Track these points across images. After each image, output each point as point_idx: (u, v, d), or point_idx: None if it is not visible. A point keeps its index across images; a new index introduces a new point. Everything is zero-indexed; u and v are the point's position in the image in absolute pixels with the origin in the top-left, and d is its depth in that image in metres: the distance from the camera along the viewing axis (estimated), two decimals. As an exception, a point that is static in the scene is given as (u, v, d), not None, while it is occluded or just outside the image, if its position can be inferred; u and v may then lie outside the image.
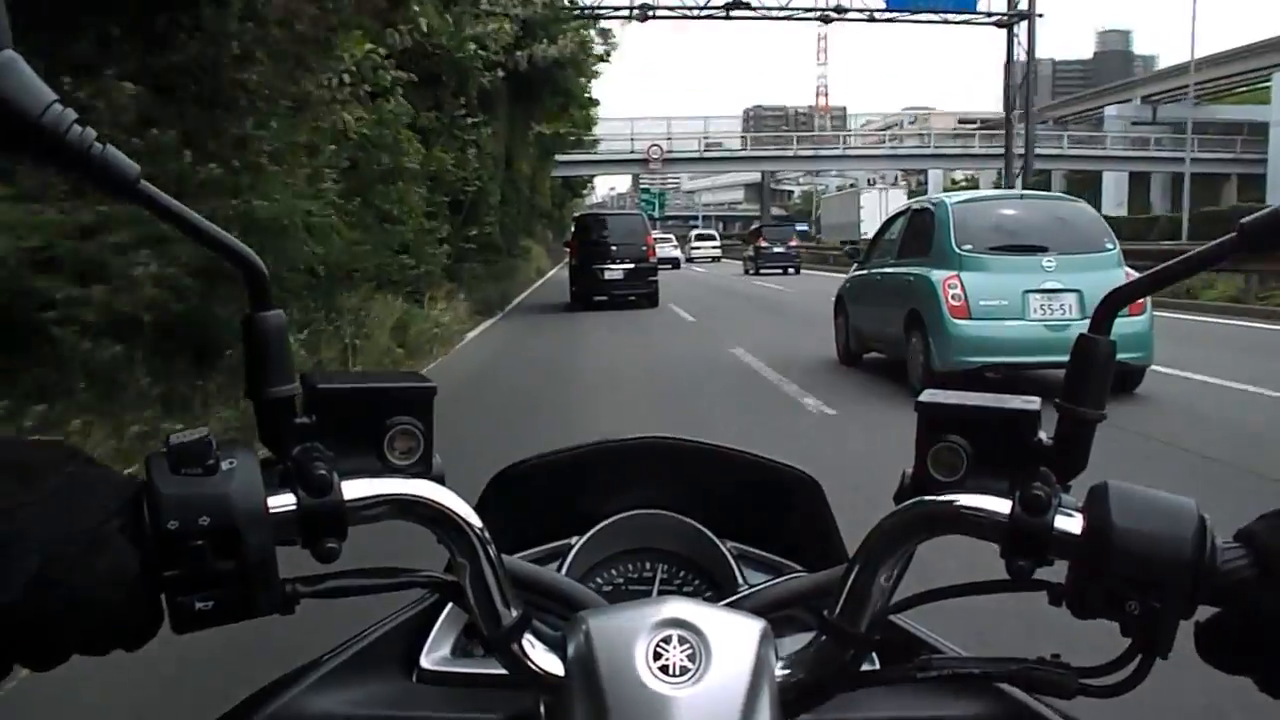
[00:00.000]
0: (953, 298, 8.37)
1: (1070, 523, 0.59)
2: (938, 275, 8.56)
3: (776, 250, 41.06)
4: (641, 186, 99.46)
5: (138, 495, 0.57)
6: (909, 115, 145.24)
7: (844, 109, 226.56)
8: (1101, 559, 0.58)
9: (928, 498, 0.62)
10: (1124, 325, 8.24)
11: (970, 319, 8.31)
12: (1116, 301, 0.61)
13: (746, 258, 43.41)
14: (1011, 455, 0.62)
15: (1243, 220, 0.58)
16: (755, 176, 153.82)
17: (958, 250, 8.59)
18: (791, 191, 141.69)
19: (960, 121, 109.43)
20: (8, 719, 2.85)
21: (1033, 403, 0.63)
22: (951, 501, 0.62)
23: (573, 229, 22.68)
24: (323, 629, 0.90)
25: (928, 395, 0.65)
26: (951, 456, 0.63)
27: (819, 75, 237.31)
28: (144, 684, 2.89)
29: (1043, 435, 0.62)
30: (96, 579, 0.54)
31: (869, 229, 50.19)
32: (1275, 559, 0.57)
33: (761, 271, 40.23)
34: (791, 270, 40.42)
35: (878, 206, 53.93)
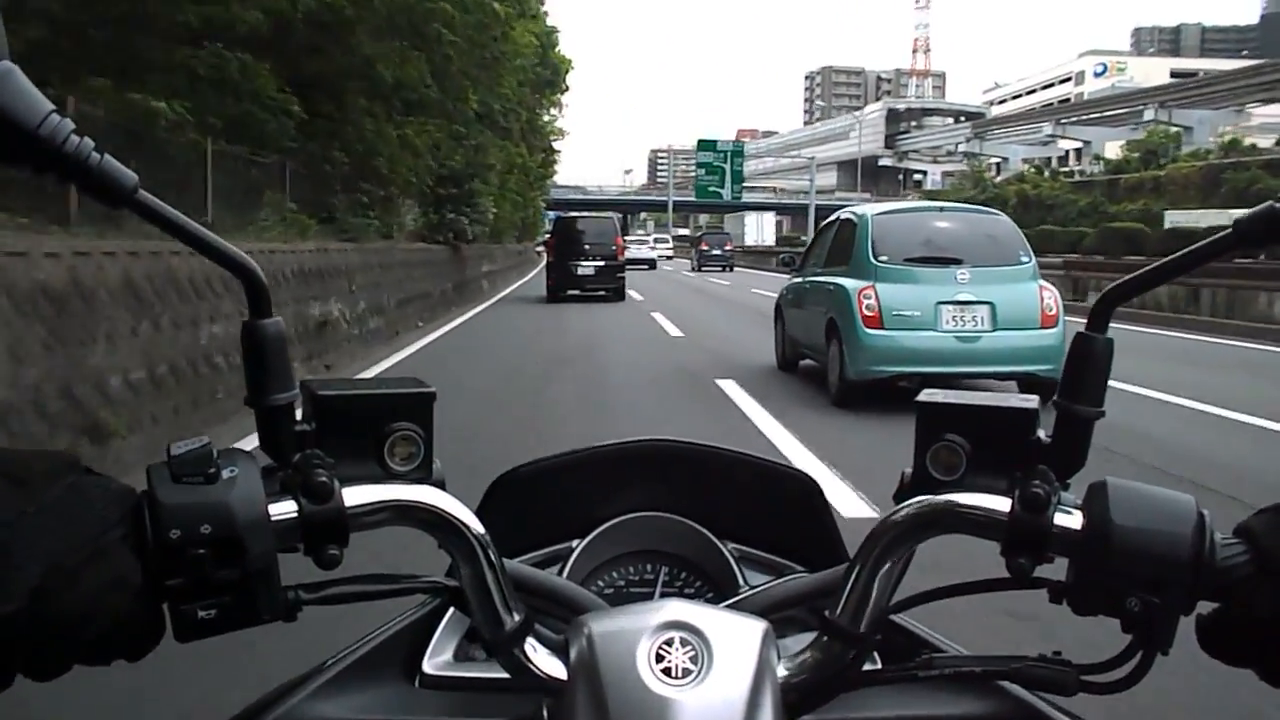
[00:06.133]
0: (866, 308, 8.51)
1: (1070, 520, 0.60)
2: (853, 285, 8.70)
3: (715, 253, 52.01)
4: (702, 141, 66.60)
5: (139, 504, 0.56)
6: (1094, 64, 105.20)
7: (944, 74, 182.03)
8: (1101, 556, 0.59)
9: (927, 497, 0.63)
10: (1036, 338, 8.58)
11: (883, 329, 8.45)
12: (1114, 299, 0.62)
13: (692, 258, 54.70)
14: (1010, 454, 0.63)
15: (1237, 217, 0.59)
16: (870, 147, 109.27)
17: (874, 261, 8.74)
18: (922, 173, 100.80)
19: (1174, 74, 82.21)
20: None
21: (1031, 401, 0.64)
22: (951, 500, 0.63)
23: (550, 230, 27.25)
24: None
25: (926, 395, 0.66)
26: (950, 455, 0.64)
27: (918, 24, 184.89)
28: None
29: (1041, 433, 0.64)
30: (98, 589, 0.53)
31: (750, 241, 70.71)
32: (1274, 554, 0.58)
33: (703, 269, 50.17)
34: (726, 268, 50.14)
35: (755, 225, 79.83)
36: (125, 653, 0.56)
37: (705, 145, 67.36)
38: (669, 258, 65.40)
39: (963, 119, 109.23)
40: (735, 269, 50.23)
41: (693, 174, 79.43)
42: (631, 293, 24.51)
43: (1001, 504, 0.62)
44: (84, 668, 0.55)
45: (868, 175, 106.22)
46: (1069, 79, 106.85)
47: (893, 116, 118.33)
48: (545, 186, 54.50)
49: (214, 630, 0.57)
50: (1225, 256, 0.60)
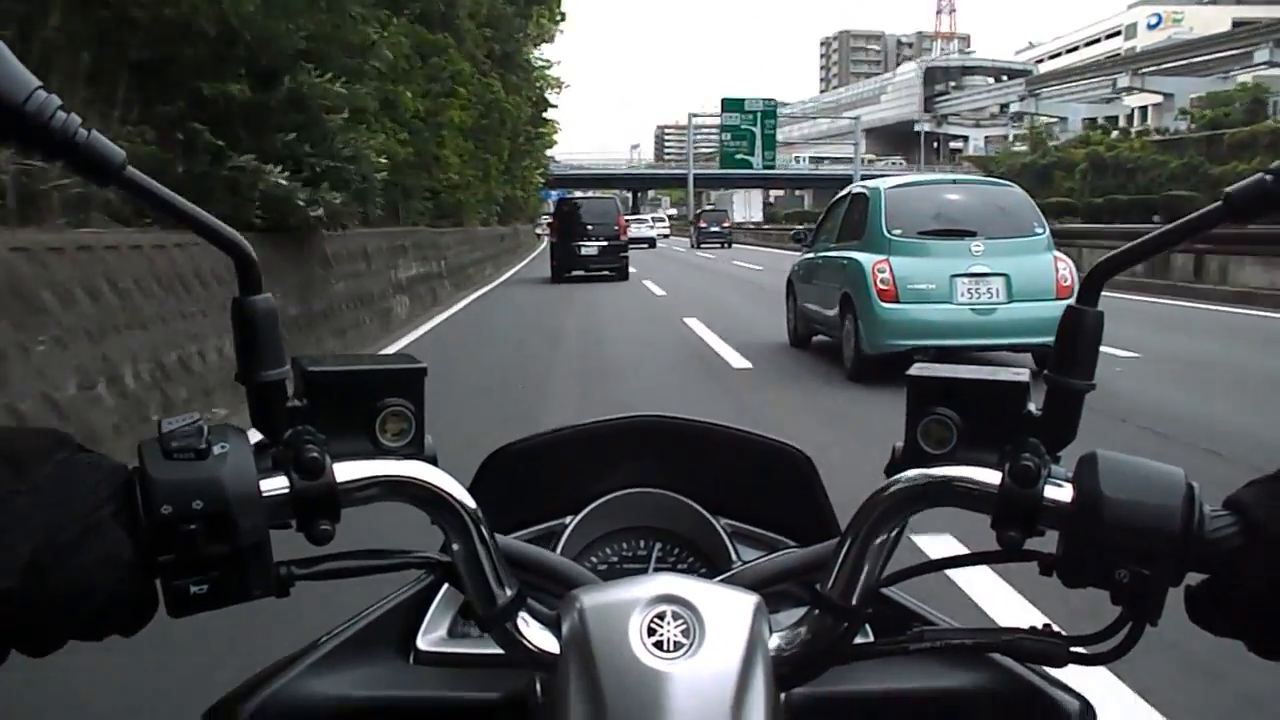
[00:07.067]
0: (881, 281, 8.49)
1: (1060, 493, 0.61)
2: (868, 259, 8.67)
3: (713, 229, 52.45)
4: (728, 100, 56.93)
5: (130, 481, 0.57)
6: (1148, 15, 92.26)
7: (968, 36, 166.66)
8: (1091, 528, 0.59)
9: (918, 471, 0.63)
10: (1051, 309, 8.48)
11: (898, 302, 8.43)
12: (1104, 272, 0.62)
13: (691, 235, 54.97)
14: (1001, 427, 0.63)
15: (1228, 190, 0.59)
16: (904, 111, 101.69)
17: (888, 235, 8.71)
18: (963, 139, 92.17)
19: (1236, 24, 71.39)
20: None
21: (1021, 374, 0.64)
22: (942, 474, 0.63)
23: (553, 211, 27.20)
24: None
25: (917, 368, 0.66)
26: (941, 429, 0.64)
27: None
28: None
29: (1032, 407, 0.64)
30: (90, 566, 0.54)
31: (739, 218, 73.25)
32: (1263, 526, 0.58)
33: (702, 246, 50.26)
34: (725, 245, 50.61)
35: (743, 203, 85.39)
36: (118, 628, 0.56)
37: (731, 105, 58.01)
38: (665, 236, 65.17)
39: (1005, 78, 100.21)
40: (734, 244, 50.40)
41: (702, 148, 72.25)
42: (696, 325, 13.19)
43: (992, 477, 0.62)
44: (78, 643, 0.56)
45: (903, 141, 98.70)
46: (1117, 33, 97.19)
47: (930, 77, 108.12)
48: (541, 154, 46.74)
49: (206, 606, 0.57)
50: (1216, 228, 0.60)
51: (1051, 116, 70.04)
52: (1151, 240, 0.61)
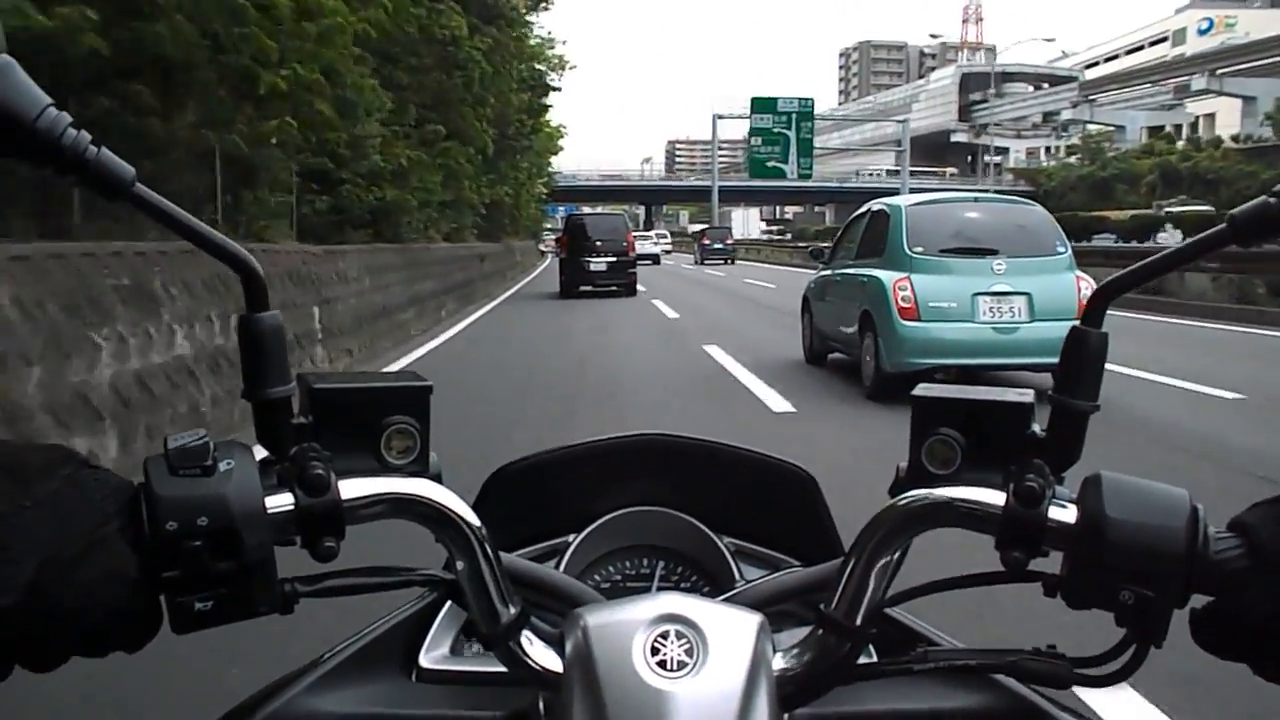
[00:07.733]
0: (902, 299, 8.48)
1: (1064, 514, 0.60)
2: (889, 277, 8.66)
3: (716, 246, 52.32)
4: (758, 100, 49.75)
5: (135, 497, 0.57)
6: (1198, 19, 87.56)
7: (994, 46, 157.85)
8: (1095, 550, 0.59)
9: (922, 491, 0.63)
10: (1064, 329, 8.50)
11: (919, 320, 8.41)
12: (1109, 292, 0.62)
13: (695, 252, 55.78)
14: (1005, 447, 0.63)
15: (1233, 212, 0.59)
16: (938, 120, 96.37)
17: (909, 252, 8.70)
18: (1003, 150, 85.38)
19: None
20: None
21: (1026, 395, 0.64)
22: (946, 495, 0.62)
23: (562, 227, 27.81)
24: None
25: (921, 388, 0.66)
26: (945, 449, 0.63)
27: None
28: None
29: (1036, 427, 0.63)
30: (94, 582, 0.54)
31: (737, 234, 72.59)
32: (1268, 548, 0.58)
33: (705, 262, 50.24)
34: (729, 261, 50.74)
35: (742, 220, 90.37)
36: (123, 644, 0.57)
37: (762, 105, 50.80)
38: (668, 252, 66.12)
39: (1046, 85, 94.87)
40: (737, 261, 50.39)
41: (714, 162, 67.70)
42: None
43: (996, 498, 0.61)
44: (82, 659, 0.56)
45: (938, 152, 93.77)
46: (1164, 39, 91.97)
47: (967, 83, 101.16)
48: (542, 155, 41.09)
49: (211, 622, 0.57)
50: (1221, 250, 0.60)
51: (1106, 124, 66.33)
52: (1158, 261, 0.62)
